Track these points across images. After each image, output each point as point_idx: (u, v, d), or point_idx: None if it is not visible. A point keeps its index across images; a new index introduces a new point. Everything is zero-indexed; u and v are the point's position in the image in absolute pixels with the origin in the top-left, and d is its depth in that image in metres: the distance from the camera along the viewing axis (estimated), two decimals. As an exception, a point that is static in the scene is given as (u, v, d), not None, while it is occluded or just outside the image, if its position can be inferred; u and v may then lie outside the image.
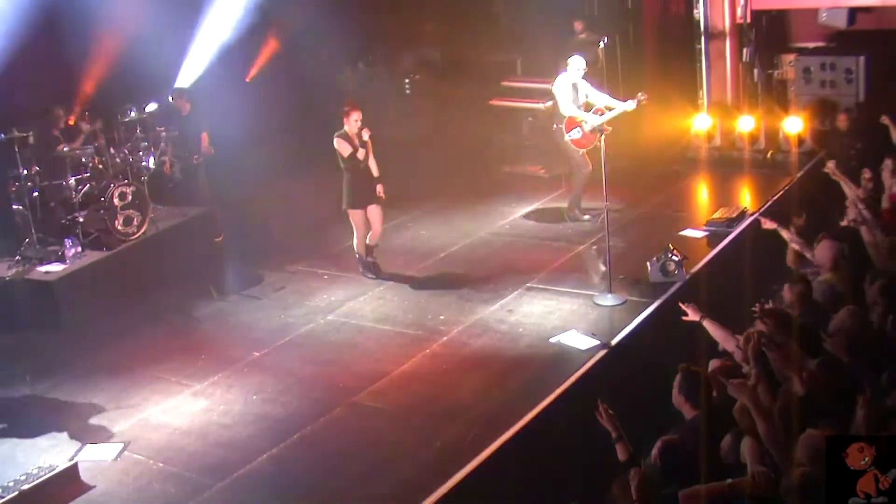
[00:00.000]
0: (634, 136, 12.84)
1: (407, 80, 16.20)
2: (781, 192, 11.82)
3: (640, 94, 11.13)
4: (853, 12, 13.41)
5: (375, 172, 10.21)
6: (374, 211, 10.27)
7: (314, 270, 10.85)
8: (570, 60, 11.43)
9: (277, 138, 14.15)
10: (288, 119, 14.71)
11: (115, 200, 10.93)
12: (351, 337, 9.14)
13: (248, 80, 15.26)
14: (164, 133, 12.42)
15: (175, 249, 11.16)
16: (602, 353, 8.23)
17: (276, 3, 14.22)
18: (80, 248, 10.62)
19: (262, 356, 8.90)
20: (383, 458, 7.12)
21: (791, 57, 14.25)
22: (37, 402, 8.24)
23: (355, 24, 14.87)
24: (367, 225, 10.30)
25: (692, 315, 7.17)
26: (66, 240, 10.54)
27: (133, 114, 12.16)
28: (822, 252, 8.10)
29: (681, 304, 7.31)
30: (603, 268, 9.55)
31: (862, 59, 13.11)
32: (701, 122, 13.88)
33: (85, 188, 11.04)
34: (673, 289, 9.29)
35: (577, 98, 11.37)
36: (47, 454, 7.38)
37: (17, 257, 10.32)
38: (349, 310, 9.75)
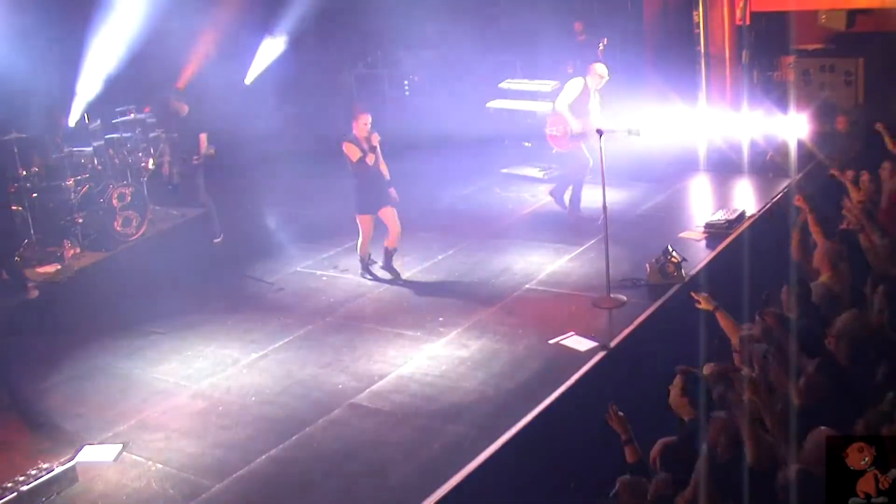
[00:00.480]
0: (633, 138, 12.82)
1: (406, 82, 16.20)
2: (780, 194, 11.82)
3: (632, 127, 10.81)
4: (852, 14, 13.42)
5: (387, 175, 10.20)
6: (388, 213, 10.25)
7: (313, 272, 10.86)
8: (595, 65, 11.42)
9: (277, 140, 14.15)
10: (287, 121, 14.72)
11: (114, 201, 10.96)
12: (350, 338, 9.14)
13: (247, 82, 15.28)
14: (163, 135, 12.42)
15: (174, 251, 11.16)
16: (601, 355, 8.23)
17: (277, 5, 14.25)
18: (78, 249, 10.63)
19: (261, 357, 8.91)
20: (382, 460, 7.12)
21: (790, 59, 14.27)
22: (35, 403, 8.22)
23: (354, 26, 14.88)
24: (373, 230, 10.27)
25: (705, 304, 7.16)
26: (64, 241, 10.54)
27: (132, 115, 12.17)
28: (821, 254, 8.10)
29: (693, 294, 7.29)
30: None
31: (861, 61, 13.13)
32: (700, 124, 13.87)
33: (84, 189, 11.05)
34: (672, 291, 9.29)
35: (581, 101, 11.35)
36: (46, 455, 7.37)
37: (17, 258, 10.31)
38: (348, 311, 9.75)
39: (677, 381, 6.21)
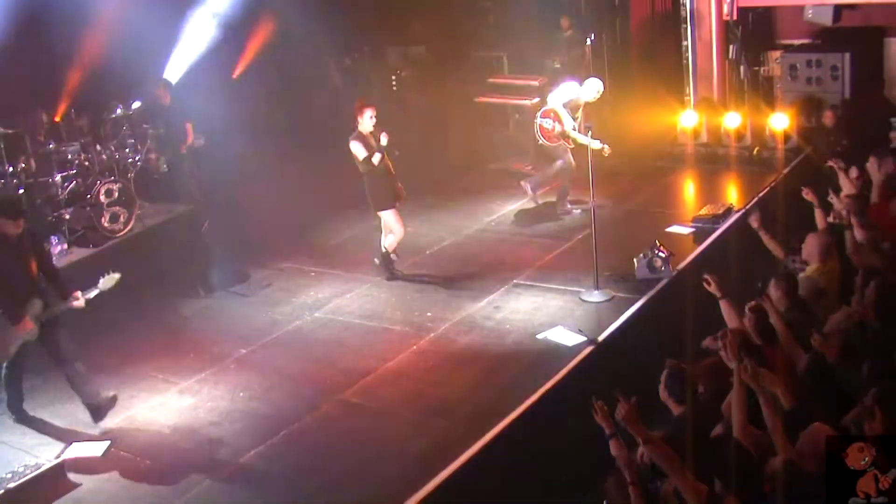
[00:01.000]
0: (621, 133, 12.84)
1: (393, 77, 16.18)
2: (767, 189, 11.86)
3: (606, 146, 10.92)
4: (838, 9, 13.47)
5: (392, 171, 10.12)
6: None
7: (301, 267, 10.83)
8: (590, 80, 11.50)
9: (264, 134, 14.09)
10: (274, 115, 14.67)
11: (102, 197, 10.91)
12: (338, 334, 9.14)
13: (234, 76, 15.21)
14: (150, 130, 12.36)
15: (162, 246, 11.12)
16: (589, 349, 8.24)
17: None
18: (66, 246, 10.59)
19: (250, 353, 8.90)
20: (370, 455, 7.12)
21: (777, 54, 14.30)
22: (22, 400, 8.19)
23: (341, 20, 14.82)
24: (402, 222, 10.14)
25: (714, 290, 7.12)
26: (52, 237, 10.50)
27: (119, 111, 12.12)
28: (810, 247, 8.13)
29: (706, 276, 7.19)
30: None
31: (847, 55, 13.16)
32: (687, 119, 13.89)
33: (71, 185, 11.01)
34: (659, 285, 9.31)
35: (571, 108, 11.45)
36: (33, 452, 7.36)
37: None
38: (336, 307, 9.74)
39: (665, 375, 6.23)
